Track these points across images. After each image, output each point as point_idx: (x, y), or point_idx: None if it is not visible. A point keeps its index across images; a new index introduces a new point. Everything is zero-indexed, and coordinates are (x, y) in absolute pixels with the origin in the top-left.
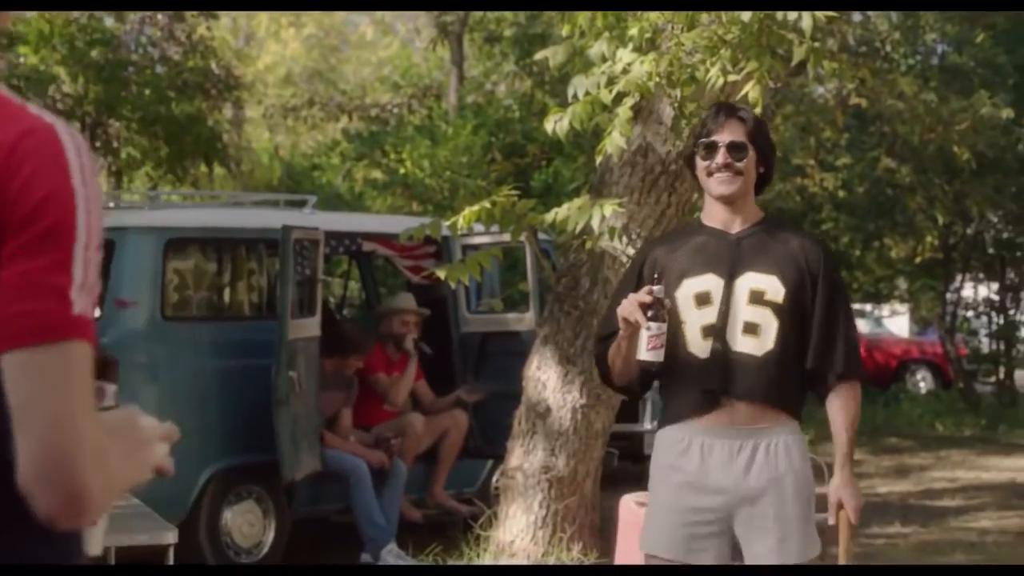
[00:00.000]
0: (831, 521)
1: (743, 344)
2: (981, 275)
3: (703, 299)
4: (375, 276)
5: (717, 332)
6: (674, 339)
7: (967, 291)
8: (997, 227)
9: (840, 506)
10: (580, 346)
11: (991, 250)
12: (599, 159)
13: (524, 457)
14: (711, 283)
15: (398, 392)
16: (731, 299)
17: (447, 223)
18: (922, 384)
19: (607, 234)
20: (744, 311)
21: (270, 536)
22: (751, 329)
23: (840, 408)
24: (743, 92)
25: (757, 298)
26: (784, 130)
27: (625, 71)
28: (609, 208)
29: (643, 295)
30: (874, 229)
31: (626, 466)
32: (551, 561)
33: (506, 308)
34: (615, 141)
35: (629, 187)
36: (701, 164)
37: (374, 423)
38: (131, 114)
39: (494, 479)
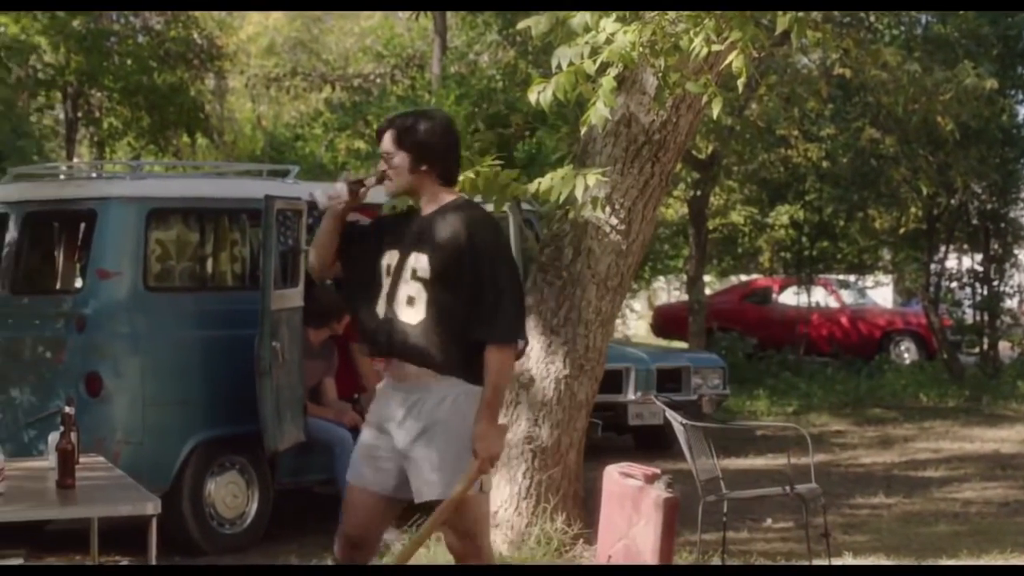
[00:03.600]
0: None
1: (404, 314)
2: (965, 246)
3: (387, 271)
4: None
5: (387, 301)
6: (370, 301)
7: (951, 262)
8: (981, 198)
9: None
10: (563, 316)
11: (975, 221)
12: (583, 129)
13: (508, 427)
14: (393, 258)
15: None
16: (400, 273)
17: None
18: (906, 355)
19: (590, 204)
20: (406, 285)
21: (253, 507)
22: (409, 301)
23: (486, 371)
24: (727, 62)
25: (412, 274)
26: (768, 100)
27: (608, 41)
28: (592, 178)
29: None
30: (858, 200)
31: (610, 436)
32: (534, 531)
33: None
34: (598, 111)
35: (612, 157)
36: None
37: (360, 393)
38: (113, 84)
39: None
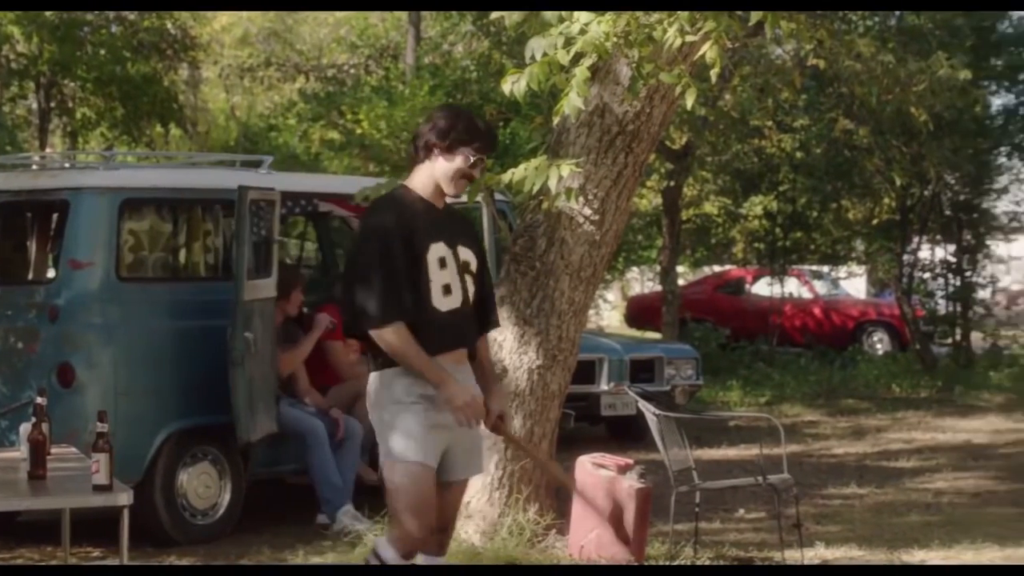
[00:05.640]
0: None
1: (466, 305)
2: (938, 237)
3: (440, 264)
4: (331, 237)
5: (447, 293)
6: (425, 296)
7: (924, 253)
8: (954, 189)
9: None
10: (536, 307)
11: (948, 212)
12: (556, 120)
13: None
14: (443, 251)
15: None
16: (455, 266)
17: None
18: (879, 345)
19: (564, 194)
20: (462, 278)
21: (226, 498)
22: (467, 293)
23: (486, 352)
24: (700, 52)
25: (466, 267)
26: (742, 91)
27: (582, 32)
28: (566, 168)
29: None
30: (831, 190)
31: (583, 427)
32: (506, 522)
33: None
34: (572, 102)
35: (586, 147)
36: (462, 157)
37: (331, 384)
38: (86, 74)
39: None
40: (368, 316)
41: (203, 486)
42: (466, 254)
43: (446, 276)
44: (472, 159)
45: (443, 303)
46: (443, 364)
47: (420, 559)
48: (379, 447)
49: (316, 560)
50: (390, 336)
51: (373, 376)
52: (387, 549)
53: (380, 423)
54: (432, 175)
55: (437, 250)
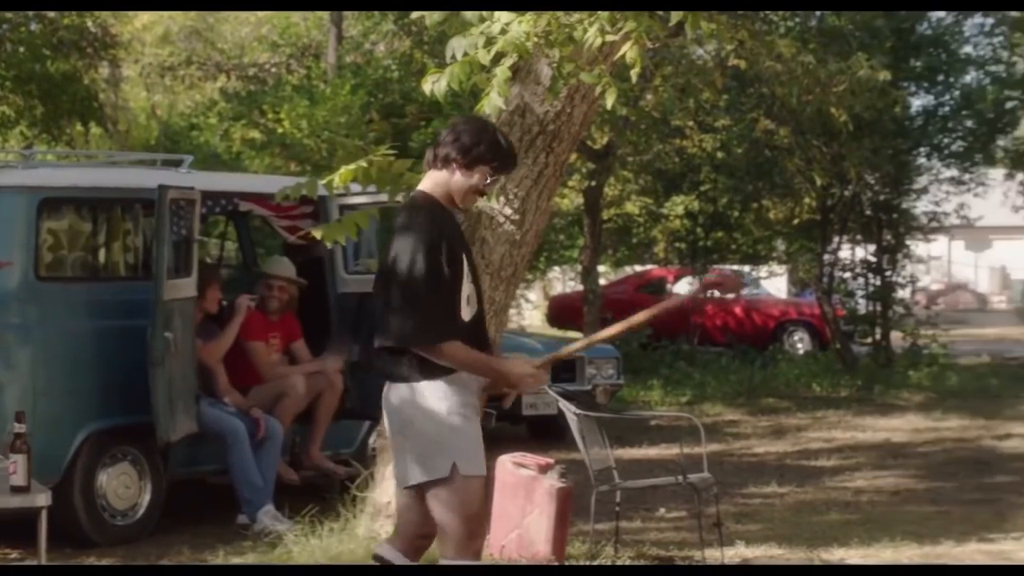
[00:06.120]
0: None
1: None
2: (858, 236)
3: (466, 272)
4: (252, 236)
5: (470, 302)
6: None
7: (844, 252)
8: (874, 189)
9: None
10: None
11: (868, 212)
12: None
13: None
14: (466, 259)
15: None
16: (471, 273)
17: (323, 182)
18: (799, 345)
19: None
20: (475, 285)
21: (146, 498)
22: (480, 300)
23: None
24: (621, 52)
25: (475, 273)
26: (663, 91)
27: (503, 31)
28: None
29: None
30: (752, 190)
31: (504, 426)
32: None
33: None
34: (493, 101)
35: None
36: (480, 175)
37: (252, 384)
38: (5, 72)
39: (371, 440)
40: (425, 333)
41: (123, 486)
42: (474, 263)
43: (467, 287)
44: (489, 179)
45: (466, 313)
46: (462, 378)
47: (393, 556)
48: (426, 460)
49: (236, 560)
50: (452, 351)
51: (423, 387)
52: (463, 558)
53: (439, 435)
54: (447, 186)
55: (465, 260)
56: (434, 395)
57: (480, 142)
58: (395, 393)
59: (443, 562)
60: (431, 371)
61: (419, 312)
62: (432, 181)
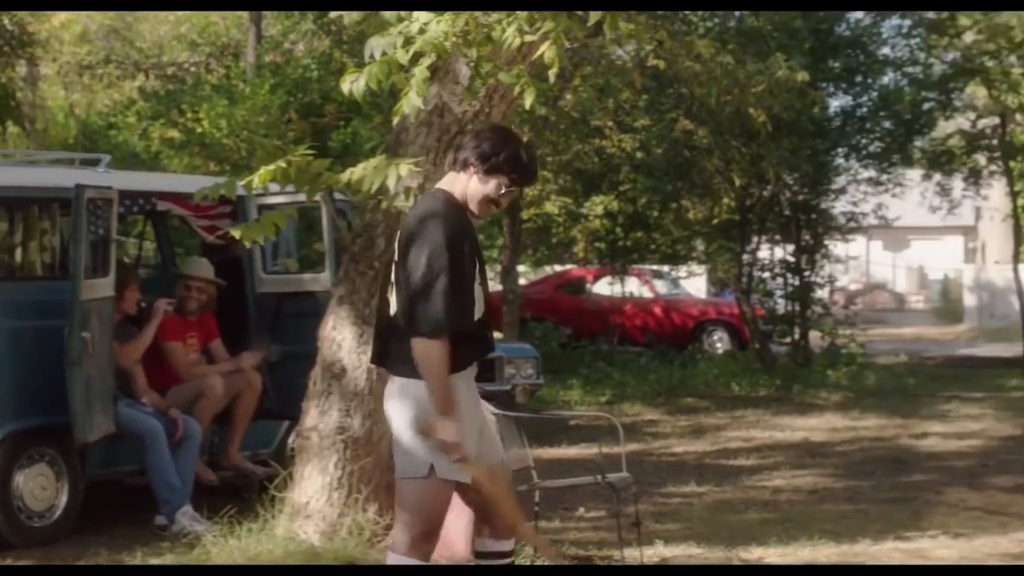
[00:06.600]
0: None
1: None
2: (777, 236)
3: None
4: (170, 236)
5: (481, 304)
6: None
7: (763, 252)
8: (793, 189)
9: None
10: (375, 306)
11: (787, 212)
12: (396, 119)
13: (319, 418)
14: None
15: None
16: (481, 277)
17: (242, 182)
18: (719, 345)
19: (403, 194)
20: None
21: (63, 499)
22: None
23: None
24: (539, 52)
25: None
26: (582, 91)
27: (421, 31)
28: (405, 168)
29: None
30: (672, 190)
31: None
32: (346, 522)
33: (302, 268)
34: (411, 101)
35: (425, 147)
36: (495, 184)
37: (170, 384)
38: None
39: (290, 440)
40: (424, 322)
41: (40, 487)
42: (483, 265)
43: (477, 288)
44: (505, 189)
45: (476, 313)
46: (467, 374)
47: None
48: (409, 456)
49: (154, 561)
50: (435, 349)
51: (413, 383)
52: (413, 557)
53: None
54: (464, 190)
55: (478, 262)
56: (421, 392)
57: (500, 152)
58: (389, 386)
59: (391, 555)
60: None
61: (423, 302)
62: (451, 182)
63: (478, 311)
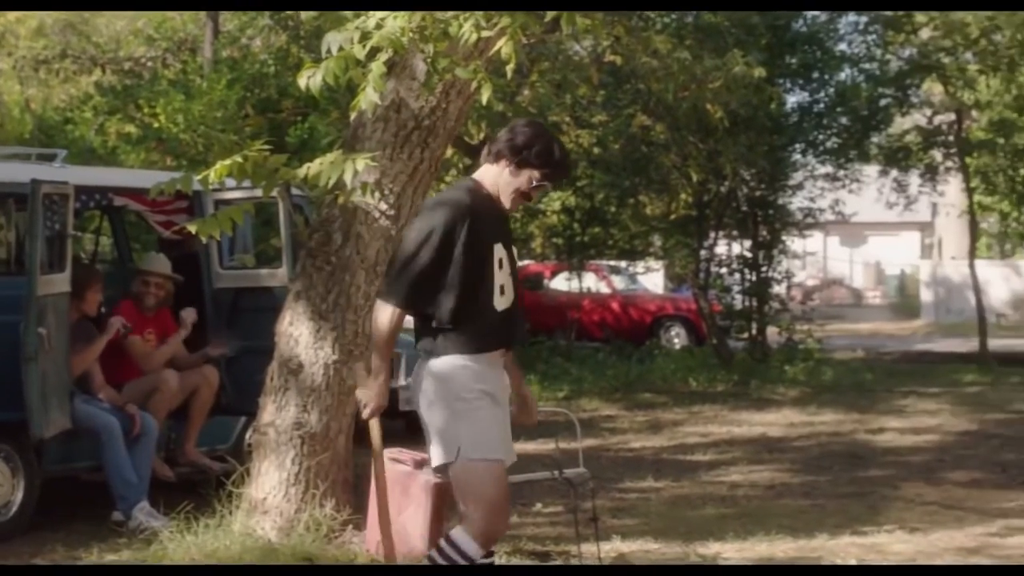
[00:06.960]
0: None
1: (516, 305)
2: (734, 232)
3: (499, 264)
4: (127, 232)
5: (503, 293)
6: (487, 295)
7: (720, 248)
8: (750, 185)
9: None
10: (332, 302)
11: (744, 208)
12: (353, 115)
13: (276, 413)
14: (501, 252)
15: (154, 361)
16: (510, 267)
17: (198, 177)
18: (676, 340)
19: (360, 189)
20: (513, 278)
21: (19, 496)
22: (517, 293)
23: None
24: (496, 48)
25: (512, 267)
26: (540, 87)
27: (378, 26)
28: (361, 163)
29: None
30: (629, 186)
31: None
32: (303, 518)
33: (259, 264)
34: (368, 96)
35: (382, 142)
36: (526, 178)
37: (127, 380)
38: None
39: (247, 436)
40: (383, 285)
41: None
42: (513, 256)
43: (502, 277)
44: (536, 183)
45: (500, 303)
46: (490, 361)
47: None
48: (437, 442)
49: (111, 558)
50: (386, 313)
51: (431, 365)
52: (470, 543)
53: (444, 419)
54: (496, 181)
55: (498, 251)
56: (433, 376)
57: (532, 146)
58: (416, 369)
59: (454, 534)
60: (445, 347)
61: (391, 268)
62: (484, 172)
63: (503, 301)
